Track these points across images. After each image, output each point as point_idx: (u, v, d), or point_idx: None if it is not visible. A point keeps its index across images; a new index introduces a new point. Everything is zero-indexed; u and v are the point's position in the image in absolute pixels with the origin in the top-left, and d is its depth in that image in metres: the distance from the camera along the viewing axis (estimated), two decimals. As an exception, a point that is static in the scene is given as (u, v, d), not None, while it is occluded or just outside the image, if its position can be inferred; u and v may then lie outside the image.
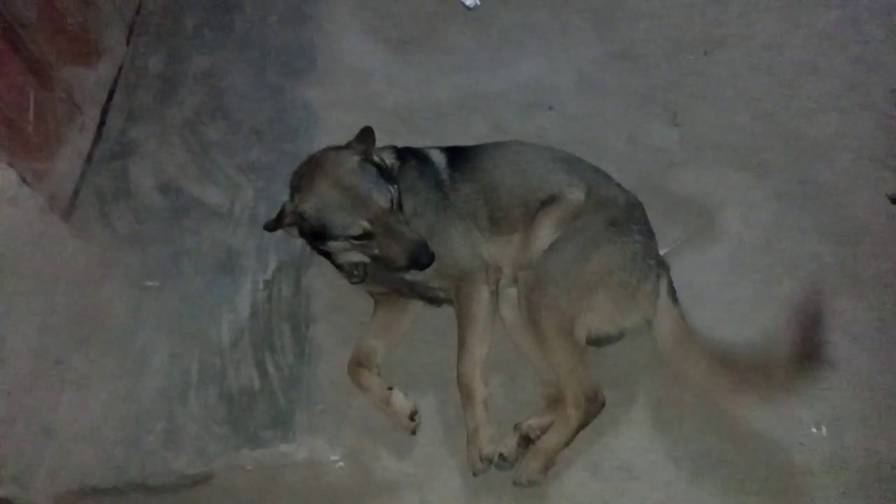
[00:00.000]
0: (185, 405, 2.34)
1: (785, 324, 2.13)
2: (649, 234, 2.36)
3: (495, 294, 2.28)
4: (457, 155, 2.46)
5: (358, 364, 2.30)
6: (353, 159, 2.14)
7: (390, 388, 2.25)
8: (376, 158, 2.23)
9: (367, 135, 2.26)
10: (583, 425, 2.17)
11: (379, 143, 2.35)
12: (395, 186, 2.18)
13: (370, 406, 2.29)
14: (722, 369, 2.15)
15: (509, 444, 2.19)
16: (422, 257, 2.10)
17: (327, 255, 2.28)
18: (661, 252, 2.44)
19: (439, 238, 2.25)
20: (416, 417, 2.23)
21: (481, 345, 2.19)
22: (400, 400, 2.24)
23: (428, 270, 2.21)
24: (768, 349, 2.12)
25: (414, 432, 2.24)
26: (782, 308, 2.44)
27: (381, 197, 2.09)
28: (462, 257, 2.26)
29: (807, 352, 2.05)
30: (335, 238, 2.12)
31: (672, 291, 2.30)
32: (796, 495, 2.15)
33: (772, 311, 2.44)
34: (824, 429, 2.25)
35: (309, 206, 2.10)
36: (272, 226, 2.18)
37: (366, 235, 2.09)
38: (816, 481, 2.16)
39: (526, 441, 2.20)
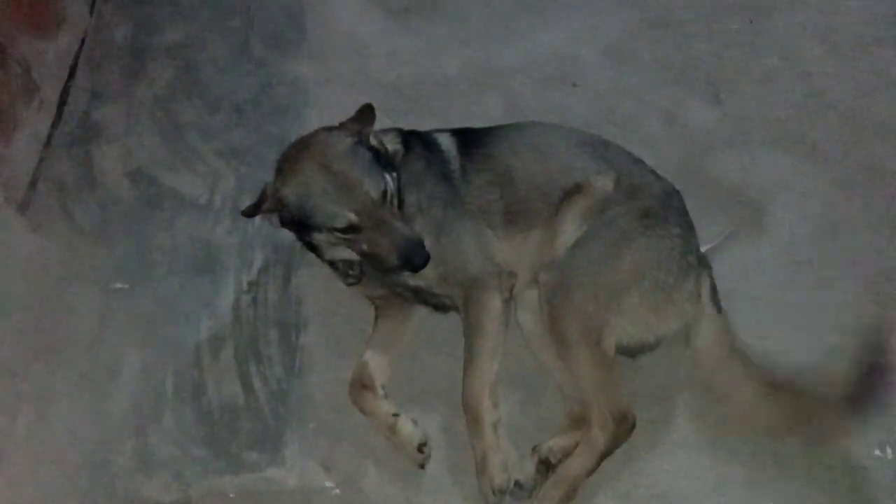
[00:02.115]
0: (159, 423, 2.34)
1: (848, 353, 2.15)
2: (688, 227, 2.35)
3: (508, 303, 2.27)
4: (468, 139, 2.45)
5: (361, 386, 2.30)
6: (345, 141, 2.14)
7: (396, 415, 2.25)
8: (374, 142, 2.23)
9: (366, 114, 2.26)
10: (611, 449, 2.16)
11: (380, 125, 2.34)
12: (394, 175, 2.18)
13: (370, 425, 2.28)
14: (770, 399, 2.16)
15: (526, 470, 2.18)
16: (415, 257, 2.09)
17: (314, 249, 2.29)
18: (702, 248, 2.42)
19: (447, 238, 2.24)
20: (426, 449, 2.22)
21: (491, 362, 2.18)
22: (408, 429, 2.23)
23: (431, 275, 2.21)
24: (825, 380, 2.14)
25: (423, 465, 2.23)
26: (840, 314, 2.43)
27: (372, 186, 2.08)
28: (472, 261, 2.26)
29: (865, 393, 2.08)
30: (318, 230, 2.13)
31: (715, 295, 2.29)
32: (858, 526, 2.14)
33: (828, 316, 2.43)
34: (889, 451, 2.23)
35: (290, 191, 2.11)
36: (250, 211, 2.21)
37: (352, 228, 2.09)
38: (881, 510, 2.15)
39: (546, 466, 2.19)
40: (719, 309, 2.28)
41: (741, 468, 2.21)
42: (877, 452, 2.22)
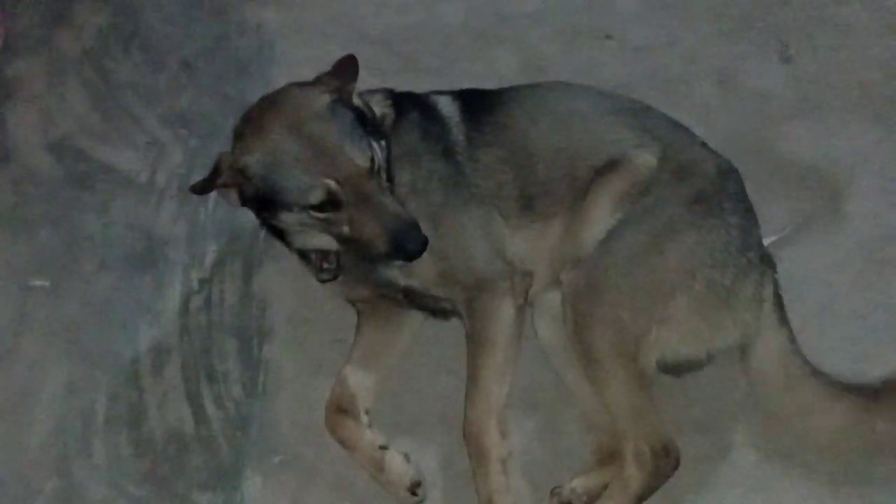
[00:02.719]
0: (88, 456, 2.34)
1: None
2: (749, 215, 2.36)
3: (523, 310, 2.28)
4: (475, 104, 2.46)
5: (338, 410, 2.31)
6: (321, 99, 2.15)
7: (384, 448, 2.26)
8: (358, 102, 2.24)
9: (347, 68, 2.26)
10: (648, 491, 2.16)
11: (367, 85, 2.34)
12: (383, 143, 2.19)
13: (351, 460, 2.29)
14: (857, 423, 2.19)
15: (545, 516, 2.21)
16: (409, 242, 2.09)
17: (281, 235, 2.29)
18: (766, 242, 2.43)
19: (447, 229, 2.25)
20: (420, 491, 2.25)
21: (500, 382, 2.19)
22: (398, 465, 2.25)
23: (428, 274, 2.23)
24: None
25: None
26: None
27: (357, 152, 2.09)
28: (478, 257, 2.27)
29: None
30: (289, 207, 2.13)
31: (779, 303, 2.31)
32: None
33: None
34: None
35: (254, 160, 2.11)
36: (203, 186, 2.20)
37: (331, 204, 2.09)
38: None
39: (569, 511, 2.22)
40: (783, 320, 2.29)
41: (814, 512, 2.24)
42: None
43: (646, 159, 2.34)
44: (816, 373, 2.25)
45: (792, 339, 2.28)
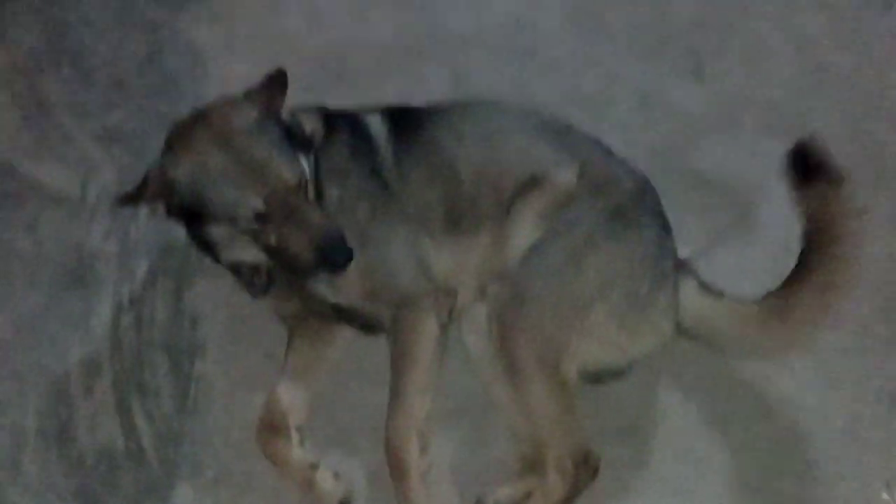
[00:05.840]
0: (17, 472, 2.34)
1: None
2: (665, 228, 2.40)
3: (446, 329, 2.30)
4: (403, 121, 2.47)
5: (269, 428, 2.31)
6: (250, 114, 2.15)
7: (315, 466, 2.28)
8: (287, 118, 2.24)
9: (276, 82, 2.25)
10: (570, 498, 2.19)
11: (299, 100, 2.35)
12: (311, 158, 2.20)
13: (283, 476, 2.30)
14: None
15: (469, 526, 2.24)
16: (335, 253, 2.10)
17: (210, 248, 2.26)
18: (682, 255, 2.46)
19: (374, 246, 2.26)
20: None
21: (422, 398, 2.20)
22: (328, 483, 2.27)
23: (355, 291, 2.24)
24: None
25: None
26: (850, 329, 2.51)
27: (285, 167, 2.09)
28: (403, 275, 2.28)
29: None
30: (216, 221, 2.13)
31: (706, 286, 2.36)
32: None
33: (836, 333, 2.49)
34: (897, 492, 2.33)
35: (181, 173, 2.10)
36: (129, 198, 2.16)
37: (259, 219, 2.09)
38: (887, 563, 2.24)
39: (492, 521, 2.24)
40: (719, 294, 2.35)
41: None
42: (884, 496, 2.31)
43: (566, 176, 2.37)
44: (762, 305, 2.33)
45: (736, 300, 2.34)
